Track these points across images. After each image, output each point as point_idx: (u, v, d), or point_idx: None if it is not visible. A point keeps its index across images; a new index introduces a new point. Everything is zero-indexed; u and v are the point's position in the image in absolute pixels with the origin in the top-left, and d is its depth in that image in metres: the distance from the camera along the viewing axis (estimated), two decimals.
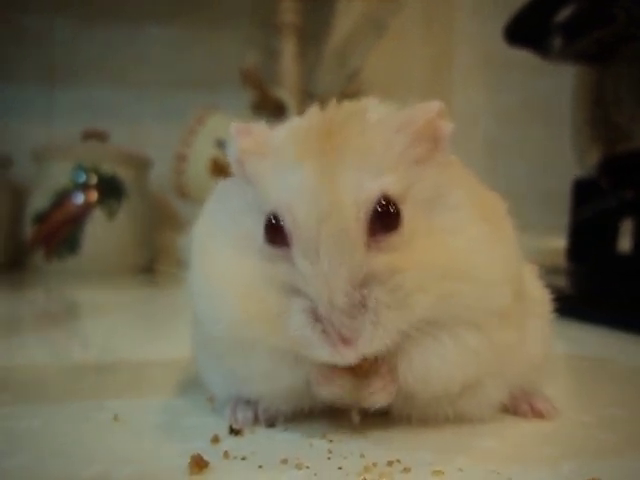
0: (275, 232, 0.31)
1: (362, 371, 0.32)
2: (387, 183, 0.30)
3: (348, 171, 0.30)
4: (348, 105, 0.35)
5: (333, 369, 0.31)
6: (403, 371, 0.32)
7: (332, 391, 0.32)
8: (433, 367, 0.32)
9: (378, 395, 0.32)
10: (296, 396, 0.34)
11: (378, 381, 0.32)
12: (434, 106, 0.33)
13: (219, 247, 0.34)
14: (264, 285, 0.31)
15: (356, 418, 0.33)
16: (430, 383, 0.32)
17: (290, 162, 0.31)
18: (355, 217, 0.29)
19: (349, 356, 0.29)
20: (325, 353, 0.29)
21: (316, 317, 0.29)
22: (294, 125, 0.35)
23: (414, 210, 0.31)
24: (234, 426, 0.35)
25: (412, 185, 0.32)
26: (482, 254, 0.31)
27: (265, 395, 0.35)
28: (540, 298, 0.40)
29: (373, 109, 0.34)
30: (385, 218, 0.30)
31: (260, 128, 0.36)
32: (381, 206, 0.30)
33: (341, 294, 0.28)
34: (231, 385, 0.37)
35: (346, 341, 0.29)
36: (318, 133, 0.32)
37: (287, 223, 0.30)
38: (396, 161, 0.31)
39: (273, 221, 0.31)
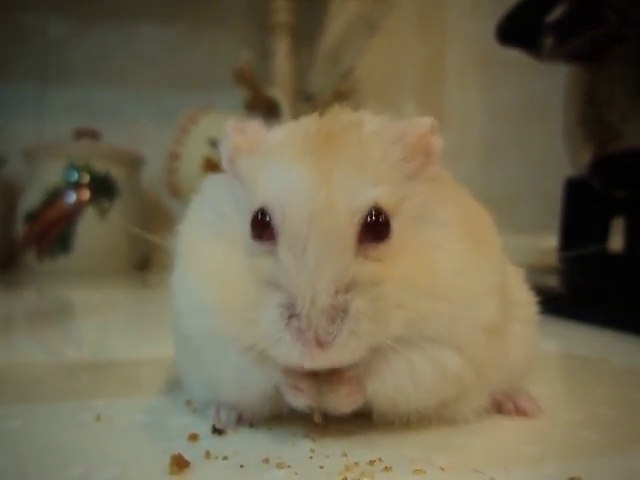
0: (262, 227, 0.31)
1: (327, 377, 0.31)
2: (381, 194, 0.31)
3: (345, 177, 0.30)
4: (345, 115, 0.35)
5: (300, 377, 0.31)
6: (373, 391, 0.32)
7: (300, 400, 0.32)
8: (404, 391, 0.32)
9: (342, 401, 0.32)
10: (268, 402, 0.34)
11: (343, 387, 0.31)
12: (426, 122, 0.34)
13: (204, 244, 0.34)
14: (243, 278, 0.31)
15: (318, 417, 0.33)
16: (400, 405, 0.32)
17: (285, 162, 0.31)
18: (348, 222, 0.29)
19: (320, 360, 0.28)
20: (294, 352, 0.28)
21: (292, 313, 0.28)
22: (291, 129, 0.35)
23: (403, 224, 0.32)
24: (217, 426, 0.35)
25: (404, 199, 0.32)
26: (464, 273, 0.32)
27: (238, 401, 0.34)
28: (525, 301, 0.40)
29: (369, 121, 0.34)
30: (375, 228, 0.30)
31: (255, 127, 0.36)
32: (373, 215, 0.30)
33: (325, 295, 0.28)
34: (208, 389, 0.36)
35: (320, 344, 0.28)
36: (315, 139, 0.32)
37: (276, 218, 0.30)
38: (390, 173, 0.32)
39: (260, 216, 0.31)
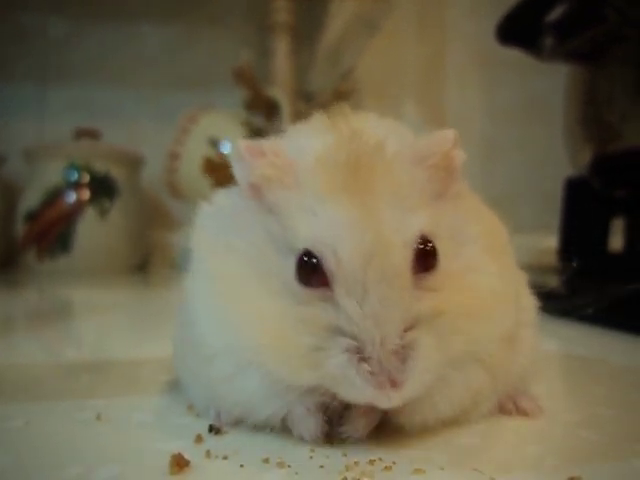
0: (310, 271, 0.30)
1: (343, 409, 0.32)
2: (423, 221, 0.30)
3: (387, 209, 0.29)
4: (363, 131, 0.32)
5: (313, 403, 0.31)
6: (407, 414, 0.32)
7: (310, 427, 0.32)
8: (440, 413, 0.33)
9: (360, 432, 0.32)
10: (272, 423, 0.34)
11: (361, 420, 0.32)
12: (450, 136, 0.33)
13: (238, 275, 0.32)
14: (300, 326, 0.30)
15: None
16: (429, 423, 0.33)
17: (324, 198, 0.30)
18: (402, 257, 0.29)
19: (395, 399, 0.28)
20: (368, 394, 0.28)
21: (361, 357, 0.28)
22: (317, 152, 0.32)
23: (442, 248, 0.31)
24: (214, 424, 0.35)
25: (437, 222, 0.31)
26: (499, 292, 0.32)
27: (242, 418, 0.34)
28: (529, 306, 0.40)
29: (391, 138, 0.32)
30: (425, 257, 0.30)
31: (272, 147, 0.33)
32: (421, 245, 0.30)
33: (394, 336, 0.28)
34: (211, 402, 0.36)
35: (394, 383, 0.28)
36: (346, 169, 0.30)
37: (327, 262, 0.29)
38: (422, 197, 0.31)
39: (307, 259, 0.30)
